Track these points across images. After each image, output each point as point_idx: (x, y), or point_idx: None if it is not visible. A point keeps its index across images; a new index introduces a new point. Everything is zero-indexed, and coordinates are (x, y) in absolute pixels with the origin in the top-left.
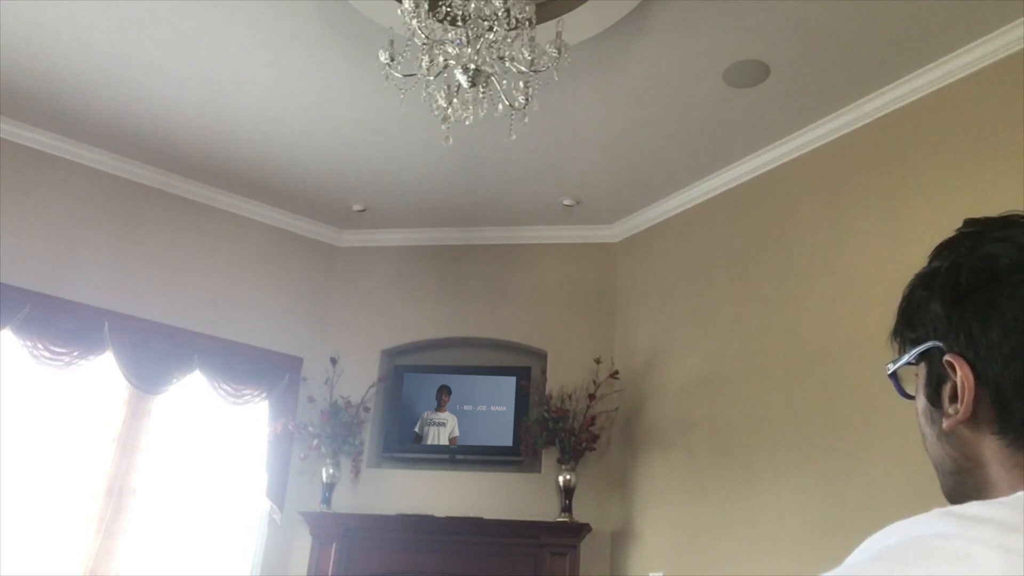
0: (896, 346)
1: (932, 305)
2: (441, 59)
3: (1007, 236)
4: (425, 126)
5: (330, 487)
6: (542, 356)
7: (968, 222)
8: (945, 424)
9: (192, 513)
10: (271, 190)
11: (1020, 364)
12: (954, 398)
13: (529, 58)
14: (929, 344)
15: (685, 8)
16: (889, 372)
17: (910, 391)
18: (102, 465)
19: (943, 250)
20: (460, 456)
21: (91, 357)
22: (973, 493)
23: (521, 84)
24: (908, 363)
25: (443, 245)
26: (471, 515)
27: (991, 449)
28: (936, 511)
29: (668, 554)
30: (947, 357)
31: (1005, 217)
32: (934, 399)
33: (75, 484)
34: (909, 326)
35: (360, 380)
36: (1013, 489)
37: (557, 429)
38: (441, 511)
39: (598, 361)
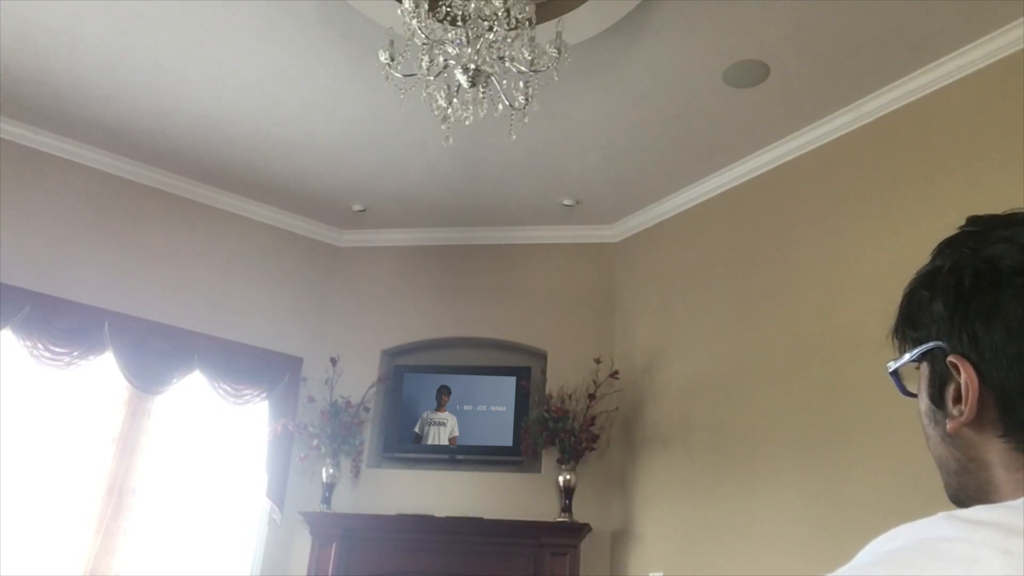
0: (897, 344)
1: (934, 305)
2: (441, 59)
3: (1010, 236)
4: (425, 126)
5: (330, 487)
6: (542, 356)
7: (971, 220)
8: (949, 426)
9: (192, 513)
10: (271, 190)
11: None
12: (958, 399)
13: (529, 58)
14: (931, 344)
15: (685, 8)
16: (891, 370)
17: (912, 389)
18: (102, 465)
19: (945, 248)
20: (460, 456)
21: (91, 357)
22: (976, 495)
23: (521, 84)
24: (910, 362)
25: (443, 245)
26: (471, 515)
27: (996, 452)
28: (940, 515)
29: (668, 554)
30: (950, 358)
31: (1009, 216)
32: (937, 400)
33: (75, 484)
34: (911, 325)
35: (360, 380)
36: (1016, 492)
37: (557, 429)
38: (441, 511)
39: (598, 361)
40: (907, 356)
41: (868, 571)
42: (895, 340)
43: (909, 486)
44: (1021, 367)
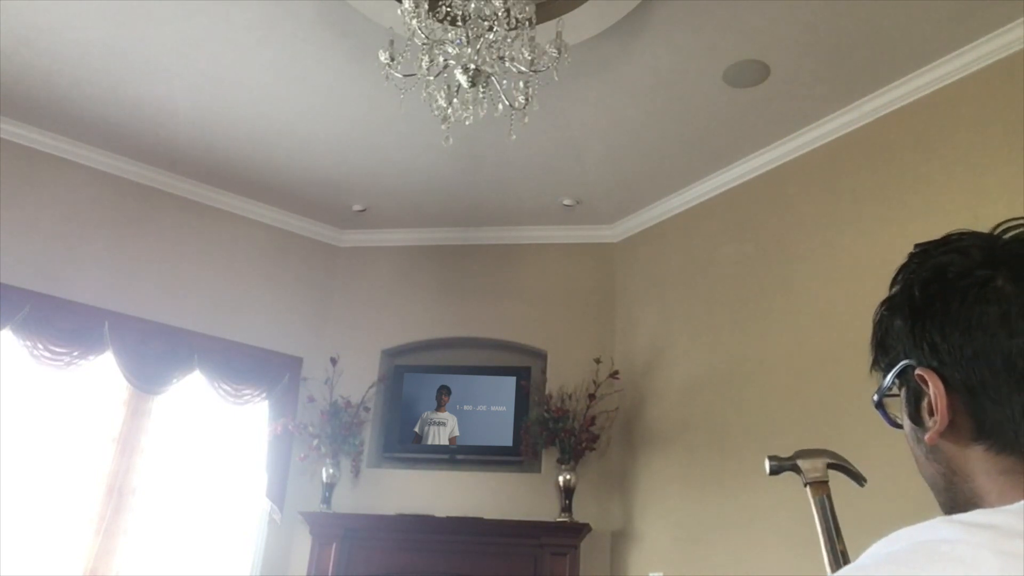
0: (878, 376)
1: (896, 324)
2: (441, 59)
3: (952, 248)
4: (425, 126)
5: (330, 487)
6: (542, 356)
7: (916, 246)
8: (927, 438)
9: (192, 513)
10: (271, 190)
11: (982, 365)
12: (932, 412)
13: (529, 58)
14: (902, 363)
15: (685, 8)
16: (875, 402)
17: (898, 419)
18: (102, 465)
19: (898, 274)
20: (460, 456)
21: (91, 357)
22: (967, 507)
23: (521, 84)
24: (892, 392)
25: (443, 245)
26: (471, 515)
27: (975, 459)
28: (940, 518)
29: (668, 554)
30: (918, 371)
31: (948, 235)
32: (916, 417)
33: (75, 484)
34: (882, 351)
35: (360, 380)
36: (1002, 497)
37: (557, 429)
38: (441, 511)
39: (598, 361)
40: (884, 382)
41: (870, 572)
42: (874, 373)
43: (908, 485)
44: (979, 365)
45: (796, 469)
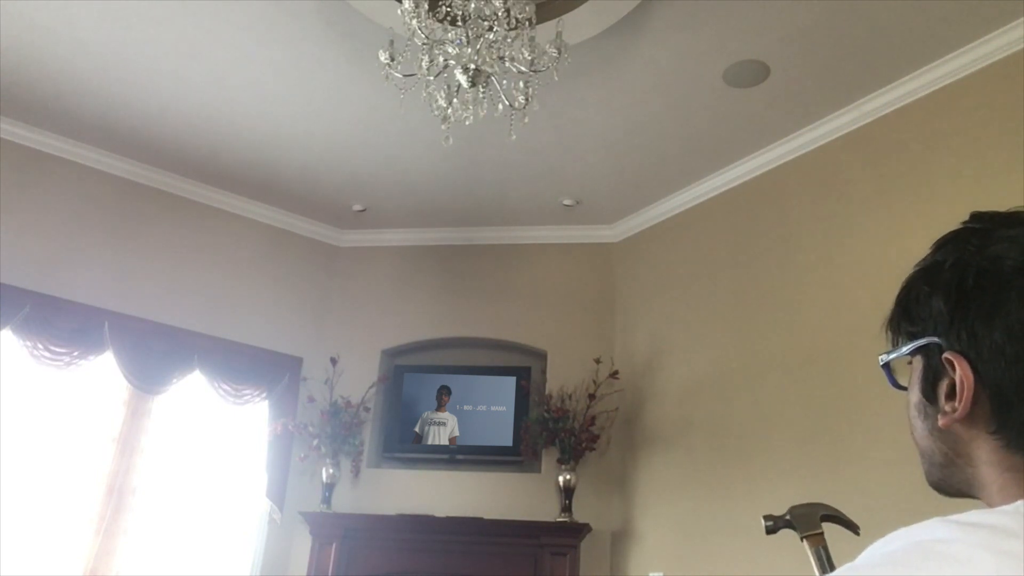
0: (891, 336)
1: (934, 301)
2: (441, 59)
3: (1014, 236)
4: (425, 126)
5: (330, 487)
6: (542, 356)
7: (975, 216)
8: (941, 421)
9: (192, 513)
10: (271, 190)
11: (1021, 366)
12: (951, 396)
13: (529, 58)
14: (928, 340)
15: (685, 8)
16: (883, 363)
17: (903, 382)
18: (102, 465)
19: (948, 244)
20: (460, 456)
21: (91, 357)
22: (961, 487)
23: (521, 84)
24: (903, 356)
25: (443, 245)
26: (471, 515)
27: (986, 449)
28: (937, 519)
29: (668, 554)
30: (946, 355)
31: (1013, 214)
32: (929, 394)
33: (75, 484)
34: (907, 319)
35: (360, 380)
36: (1003, 491)
37: (557, 429)
38: (441, 511)
39: (598, 361)
40: (902, 350)
41: (866, 571)
42: (889, 332)
43: (909, 485)
44: (1020, 366)
45: (791, 525)
